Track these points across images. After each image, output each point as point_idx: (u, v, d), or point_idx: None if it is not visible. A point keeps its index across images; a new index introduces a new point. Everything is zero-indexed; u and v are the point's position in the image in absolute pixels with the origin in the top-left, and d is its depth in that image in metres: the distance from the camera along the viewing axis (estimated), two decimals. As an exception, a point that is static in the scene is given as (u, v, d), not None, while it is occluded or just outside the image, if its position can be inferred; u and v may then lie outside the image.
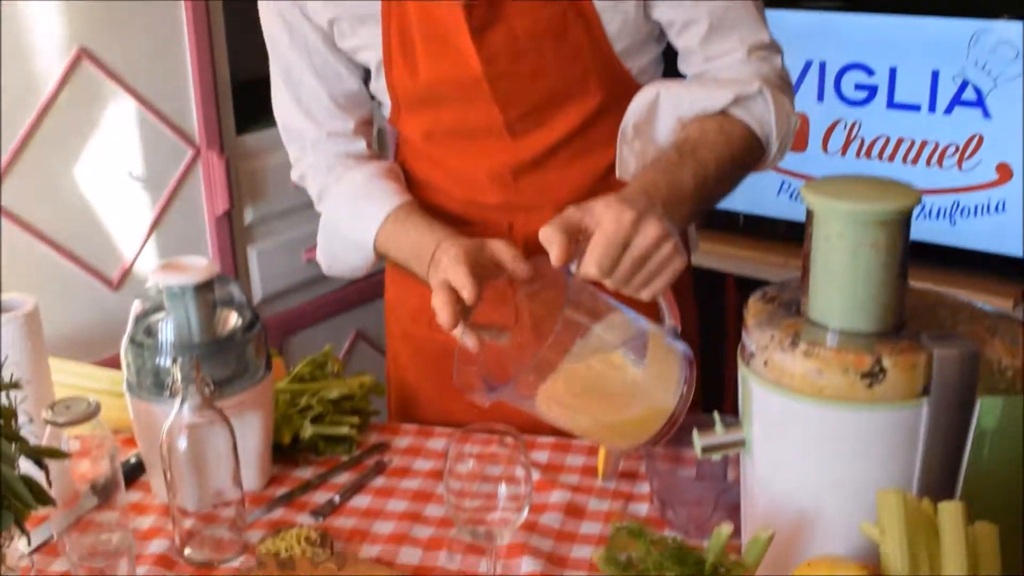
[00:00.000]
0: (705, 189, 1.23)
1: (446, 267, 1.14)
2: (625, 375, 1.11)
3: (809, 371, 0.95)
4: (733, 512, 1.14)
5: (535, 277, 1.14)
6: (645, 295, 1.10)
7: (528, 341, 1.14)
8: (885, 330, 0.96)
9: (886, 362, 0.93)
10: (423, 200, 1.45)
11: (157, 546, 1.24)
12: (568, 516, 1.27)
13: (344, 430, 1.43)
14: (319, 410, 1.43)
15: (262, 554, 1.18)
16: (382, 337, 1.68)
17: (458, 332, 1.12)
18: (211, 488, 1.20)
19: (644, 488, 1.32)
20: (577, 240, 1.07)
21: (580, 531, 1.24)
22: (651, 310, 1.14)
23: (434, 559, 1.21)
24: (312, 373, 1.51)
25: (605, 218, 1.06)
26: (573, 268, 1.07)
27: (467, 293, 1.11)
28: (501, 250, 1.16)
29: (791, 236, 2.72)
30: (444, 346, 1.29)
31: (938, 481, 0.97)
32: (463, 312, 1.12)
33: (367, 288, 2.57)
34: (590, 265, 1.06)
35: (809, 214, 0.97)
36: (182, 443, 1.17)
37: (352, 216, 1.45)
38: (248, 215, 2.40)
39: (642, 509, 1.29)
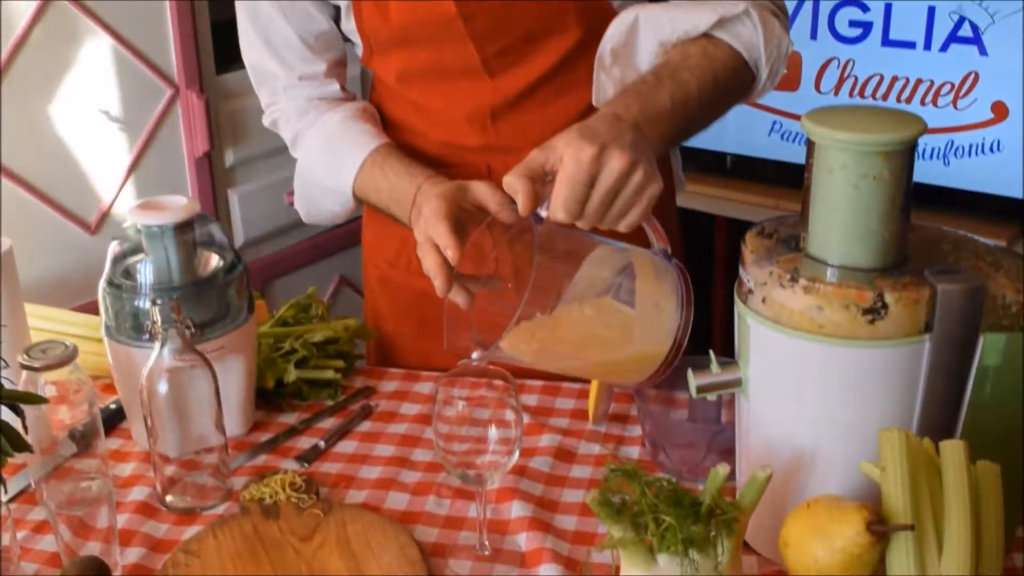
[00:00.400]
0: (686, 110, 1.18)
1: (427, 220, 1.09)
2: (621, 312, 1.08)
3: (809, 307, 0.92)
4: (726, 455, 1.12)
5: (517, 222, 1.10)
6: (623, 227, 1.06)
7: (515, 290, 1.11)
8: (887, 265, 0.93)
9: (888, 297, 0.90)
10: (399, 142, 1.41)
11: (138, 493, 1.21)
12: (558, 460, 1.25)
13: (329, 374, 1.40)
14: (303, 354, 1.40)
15: (246, 500, 1.16)
16: (366, 283, 1.65)
17: (452, 293, 1.08)
18: (193, 434, 1.18)
19: (635, 431, 1.30)
20: (545, 182, 1.03)
21: (570, 475, 1.23)
22: (642, 243, 1.10)
23: (422, 504, 1.19)
24: (296, 316, 1.49)
25: (566, 156, 1.02)
26: (544, 212, 1.03)
27: (451, 253, 1.06)
28: (485, 194, 1.12)
29: (782, 178, 2.68)
30: (422, 292, 1.26)
31: (939, 419, 0.95)
32: (452, 270, 1.08)
33: (350, 233, 2.53)
34: (557, 209, 1.02)
35: (810, 145, 0.94)
36: (162, 388, 1.15)
37: (328, 162, 1.41)
38: (229, 157, 2.36)
39: (633, 452, 1.27)
